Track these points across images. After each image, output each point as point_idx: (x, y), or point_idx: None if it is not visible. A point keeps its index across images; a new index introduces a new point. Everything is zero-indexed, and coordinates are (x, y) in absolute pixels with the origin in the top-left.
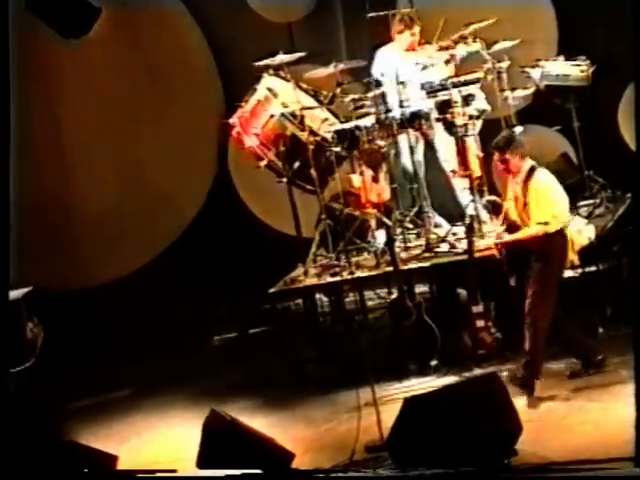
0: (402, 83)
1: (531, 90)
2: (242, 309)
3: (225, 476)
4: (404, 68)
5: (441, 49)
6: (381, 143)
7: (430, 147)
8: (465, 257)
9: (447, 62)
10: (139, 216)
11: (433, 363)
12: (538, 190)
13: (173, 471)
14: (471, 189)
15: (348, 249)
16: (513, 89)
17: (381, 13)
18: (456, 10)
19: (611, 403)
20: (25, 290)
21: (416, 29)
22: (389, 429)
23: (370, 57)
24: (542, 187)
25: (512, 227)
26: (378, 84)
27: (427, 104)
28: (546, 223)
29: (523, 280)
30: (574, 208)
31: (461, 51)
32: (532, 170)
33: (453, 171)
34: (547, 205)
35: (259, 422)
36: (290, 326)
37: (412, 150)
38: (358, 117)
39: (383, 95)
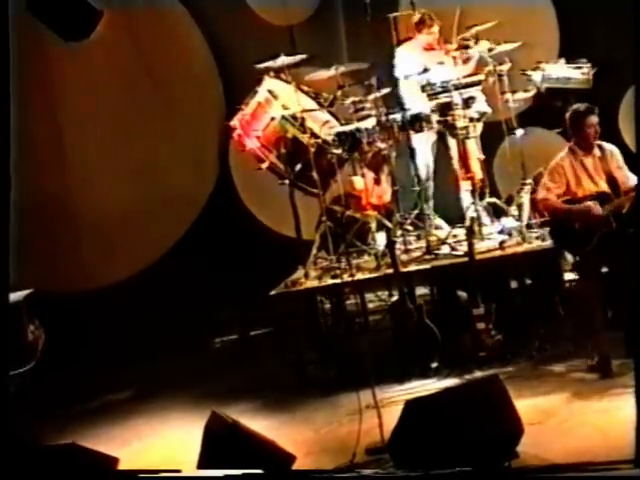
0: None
1: (532, 93)
2: (243, 311)
3: (225, 476)
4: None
5: (460, 47)
6: (382, 145)
7: (438, 149)
8: (466, 259)
9: (465, 61)
10: (140, 219)
11: (434, 365)
12: (620, 155)
13: (177, 471)
14: (472, 191)
15: (349, 251)
16: (514, 92)
17: (382, 16)
18: (457, 13)
19: (612, 405)
20: (26, 292)
21: (435, 28)
22: (390, 431)
23: (372, 59)
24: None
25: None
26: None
27: (428, 106)
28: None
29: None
30: None
31: (479, 49)
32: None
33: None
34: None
35: (260, 424)
36: (291, 328)
37: (413, 153)
38: (359, 119)
39: (394, 95)
